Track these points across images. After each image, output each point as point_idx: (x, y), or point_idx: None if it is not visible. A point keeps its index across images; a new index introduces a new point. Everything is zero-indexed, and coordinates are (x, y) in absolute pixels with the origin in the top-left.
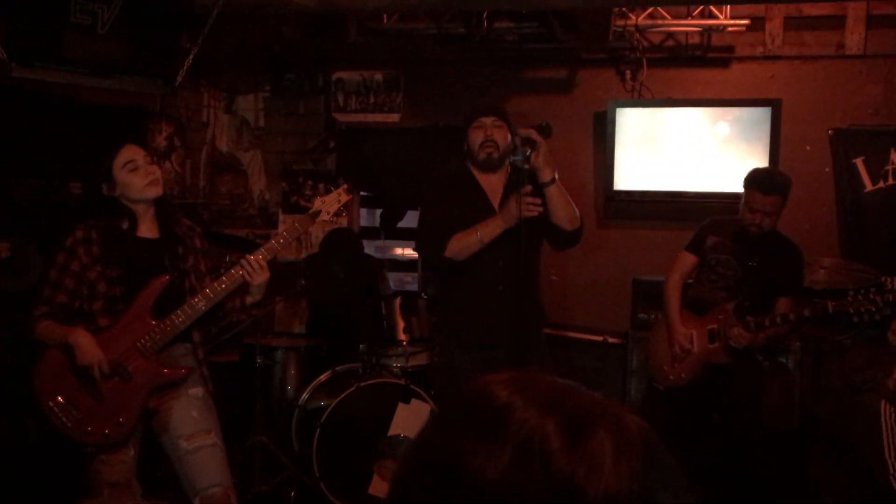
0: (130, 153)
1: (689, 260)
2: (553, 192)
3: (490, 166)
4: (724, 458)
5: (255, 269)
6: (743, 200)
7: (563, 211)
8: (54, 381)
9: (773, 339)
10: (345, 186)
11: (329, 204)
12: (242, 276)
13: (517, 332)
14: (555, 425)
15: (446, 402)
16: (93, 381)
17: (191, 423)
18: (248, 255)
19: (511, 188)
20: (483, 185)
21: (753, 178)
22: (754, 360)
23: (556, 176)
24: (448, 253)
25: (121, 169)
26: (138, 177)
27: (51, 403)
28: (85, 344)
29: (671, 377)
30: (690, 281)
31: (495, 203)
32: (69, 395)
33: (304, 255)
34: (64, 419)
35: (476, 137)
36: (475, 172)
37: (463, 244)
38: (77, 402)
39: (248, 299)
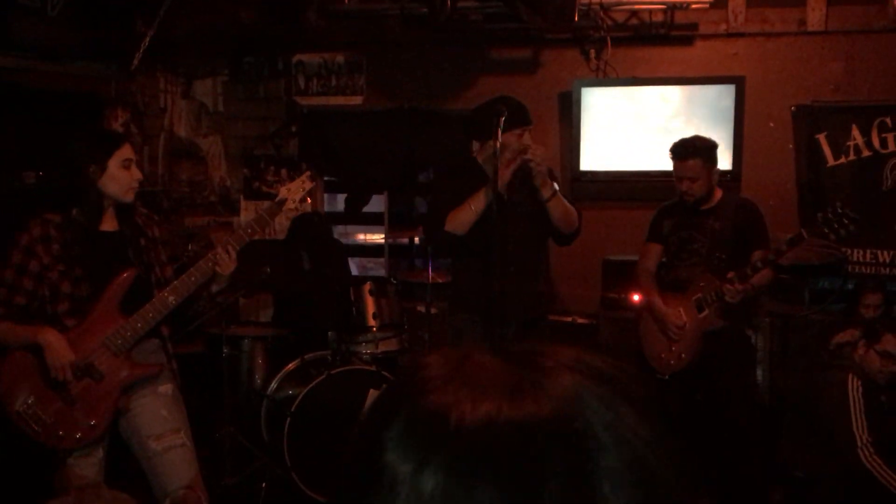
0: (129, 152)
1: (653, 249)
2: (552, 206)
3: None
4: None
5: (225, 260)
6: (673, 174)
7: (562, 221)
8: (20, 384)
9: (763, 287)
10: (308, 173)
11: (294, 192)
12: (213, 267)
13: (526, 312)
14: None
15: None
16: (62, 382)
17: (160, 422)
18: (218, 247)
19: (518, 174)
20: (489, 174)
21: (673, 148)
22: (744, 330)
23: (556, 189)
24: (448, 227)
25: (118, 163)
26: (128, 176)
27: (18, 410)
28: (55, 343)
29: (672, 362)
30: (664, 260)
31: (505, 195)
32: (37, 400)
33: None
34: (34, 425)
35: (513, 143)
36: (483, 166)
37: (460, 218)
38: (46, 406)
39: (214, 288)
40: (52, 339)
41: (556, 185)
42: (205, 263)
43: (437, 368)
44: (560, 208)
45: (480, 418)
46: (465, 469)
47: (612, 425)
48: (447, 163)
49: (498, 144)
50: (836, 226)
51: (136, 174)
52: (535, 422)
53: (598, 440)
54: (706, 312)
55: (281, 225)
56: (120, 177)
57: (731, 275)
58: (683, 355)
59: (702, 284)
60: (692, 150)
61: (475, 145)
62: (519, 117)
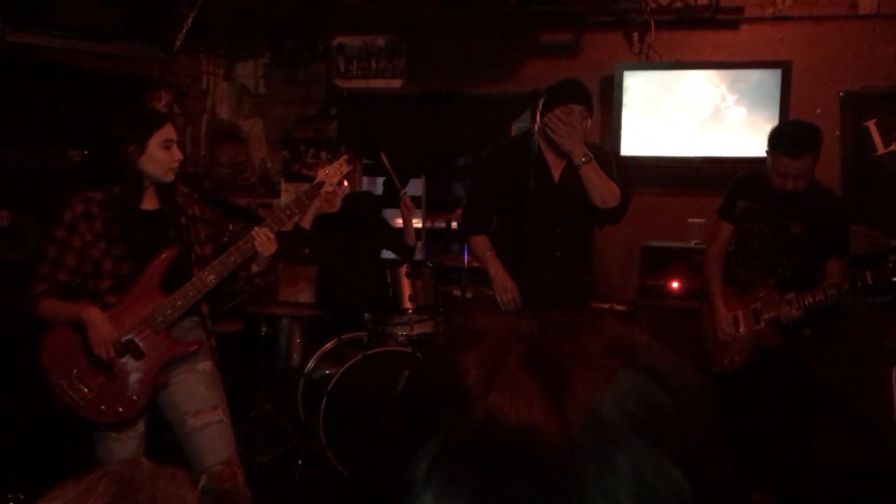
0: (170, 132)
1: (725, 229)
2: (584, 173)
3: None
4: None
5: (266, 241)
6: (769, 164)
7: (595, 191)
8: (64, 359)
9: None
10: (345, 157)
11: (331, 175)
12: (253, 248)
13: (562, 303)
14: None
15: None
16: (104, 358)
17: (198, 398)
18: (257, 228)
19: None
20: (548, 158)
21: (779, 142)
22: (801, 337)
23: (586, 159)
24: (471, 244)
25: (158, 143)
26: (167, 156)
27: (62, 383)
28: (98, 321)
29: (725, 361)
30: (732, 249)
31: (556, 176)
32: (80, 374)
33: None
34: (76, 398)
35: (562, 116)
36: (542, 144)
37: (476, 250)
38: (89, 381)
39: (254, 268)
40: (95, 317)
41: (589, 154)
42: (244, 244)
43: (474, 375)
44: (592, 177)
45: (517, 427)
46: (497, 476)
47: (646, 423)
48: (503, 140)
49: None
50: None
51: (177, 154)
52: (546, 442)
53: (616, 470)
54: (762, 326)
55: (318, 207)
56: (159, 157)
57: (790, 296)
58: (736, 359)
59: (761, 294)
60: (808, 146)
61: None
62: (570, 94)
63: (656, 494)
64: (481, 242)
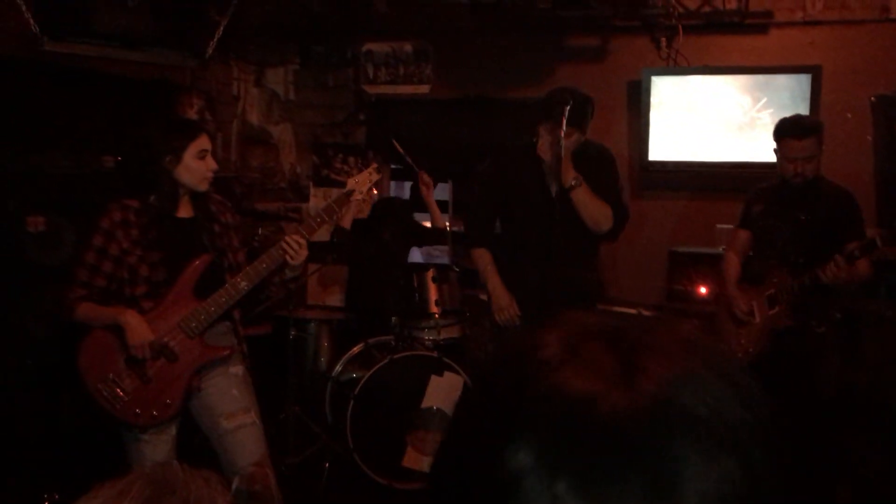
0: (205, 142)
1: (741, 236)
2: (575, 197)
3: None
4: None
5: (296, 249)
6: (778, 155)
7: (588, 214)
8: (100, 362)
9: (862, 279)
10: (374, 165)
11: (361, 183)
12: (283, 256)
13: (570, 301)
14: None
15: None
16: (139, 362)
17: (231, 401)
18: (288, 237)
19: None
20: (546, 169)
21: (783, 127)
22: (813, 328)
23: (575, 183)
24: (472, 256)
25: (194, 154)
26: (203, 167)
27: (98, 385)
28: (136, 324)
29: (740, 354)
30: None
31: (552, 188)
32: (116, 377)
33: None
34: (112, 401)
35: (546, 138)
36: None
37: (478, 266)
38: (124, 384)
39: (288, 274)
40: (133, 320)
41: (577, 178)
42: (276, 251)
43: (553, 349)
44: (583, 200)
45: (586, 401)
46: (552, 456)
47: (710, 415)
48: (506, 147)
49: (562, 133)
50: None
51: (211, 164)
52: (616, 416)
53: (679, 449)
54: (776, 310)
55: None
56: (195, 167)
57: (837, 256)
58: (751, 349)
59: (775, 280)
60: (810, 128)
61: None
62: (554, 112)
63: (712, 482)
64: (482, 256)
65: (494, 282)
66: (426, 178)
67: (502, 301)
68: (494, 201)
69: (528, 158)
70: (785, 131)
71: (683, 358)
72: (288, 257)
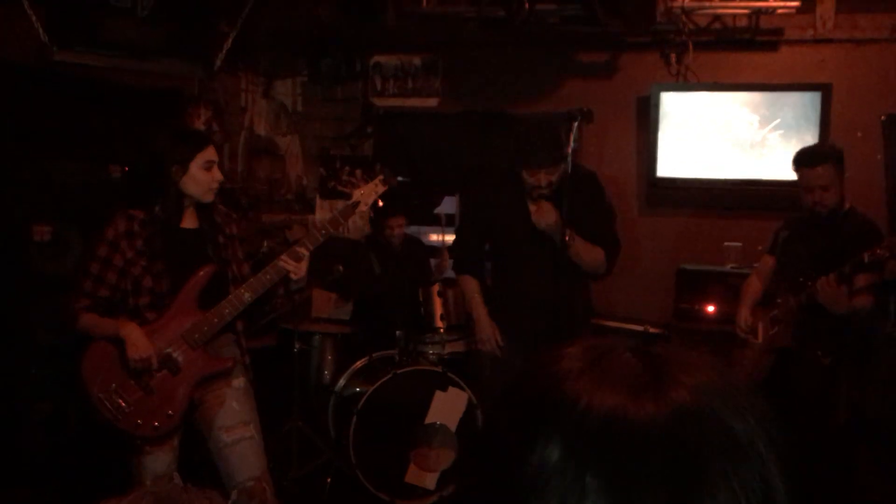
0: (212, 154)
1: (766, 262)
2: (570, 253)
3: None
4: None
5: (294, 265)
6: (799, 185)
7: (585, 266)
8: (103, 373)
9: (864, 307)
10: (380, 177)
11: (367, 195)
12: (286, 269)
13: (560, 327)
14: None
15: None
16: (142, 373)
17: (232, 414)
18: (289, 253)
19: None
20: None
21: (798, 157)
22: (815, 352)
23: (570, 241)
24: (459, 283)
25: (200, 165)
26: (209, 178)
27: (101, 395)
28: (136, 337)
29: (741, 374)
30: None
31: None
32: (118, 388)
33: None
34: (114, 412)
35: (528, 181)
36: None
37: (464, 293)
38: (126, 395)
39: (293, 285)
40: (133, 334)
41: (569, 235)
42: (280, 263)
43: (576, 359)
44: (577, 253)
45: (605, 412)
46: (580, 455)
47: (727, 450)
48: (490, 169)
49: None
50: (881, 264)
51: (217, 176)
52: (650, 425)
53: (707, 459)
54: (776, 329)
55: (356, 224)
56: (201, 178)
57: (832, 274)
58: (751, 370)
59: (779, 301)
60: (822, 156)
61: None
62: (532, 158)
63: (734, 490)
64: (468, 283)
65: (479, 312)
66: (447, 262)
67: (485, 332)
68: (480, 226)
69: (511, 184)
70: (799, 161)
71: (709, 371)
72: (290, 274)
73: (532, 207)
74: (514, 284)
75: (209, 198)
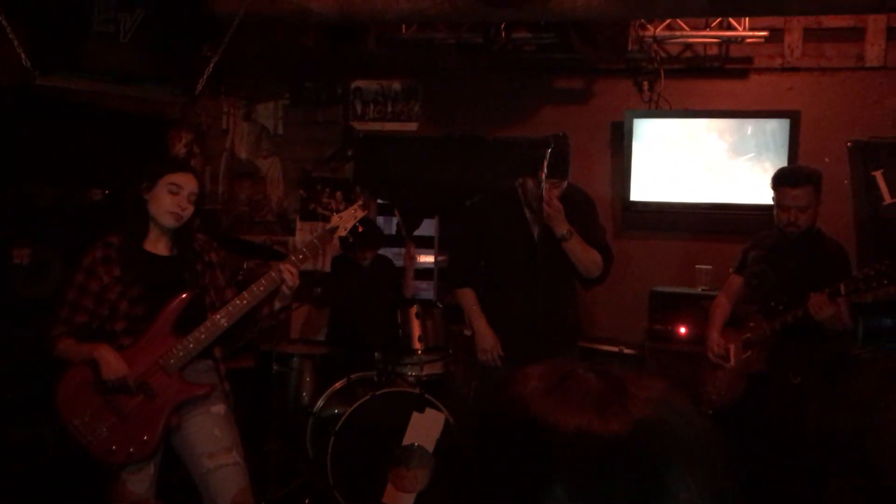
0: (180, 180)
1: (734, 281)
2: (569, 247)
3: None
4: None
5: (292, 276)
6: (775, 203)
7: (579, 263)
8: (77, 399)
9: (844, 325)
10: (360, 202)
11: (346, 220)
12: (264, 293)
13: (550, 345)
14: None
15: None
16: (116, 399)
17: (213, 440)
18: (280, 265)
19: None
20: (528, 214)
21: (780, 175)
22: (788, 375)
23: (568, 235)
24: (456, 296)
25: (165, 185)
26: (169, 201)
27: (75, 422)
28: (110, 359)
29: (713, 397)
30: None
31: (534, 232)
32: (93, 414)
33: (320, 265)
34: (89, 438)
35: (535, 192)
36: (523, 200)
37: (463, 305)
38: (101, 421)
39: (277, 304)
40: (106, 354)
41: (569, 229)
42: (256, 288)
43: (539, 380)
44: (575, 251)
45: (574, 428)
46: (553, 469)
47: (681, 457)
48: (489, 192)
49: (543, 175)
50: (875, 284)
51: (182, 203)
52: (615, 440)
53: (667, 466)
54: (749, 353)
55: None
56: (162, 199)
57: (832, 288)
58: (724, 392)
59: (751, 325)
60: (805, 177)
61: (519, 179)
62: (539, 167)
63: (689, 492)
64: (467, 296)
65: (479, 322)
66: (413, 251)
67: (486, 342)
68: (478, 243)
69: (510, 202)
70: (781, 180)
71: (658, 386)
72: (285, 288)
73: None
74: (506, 302)
75: (169, 222)
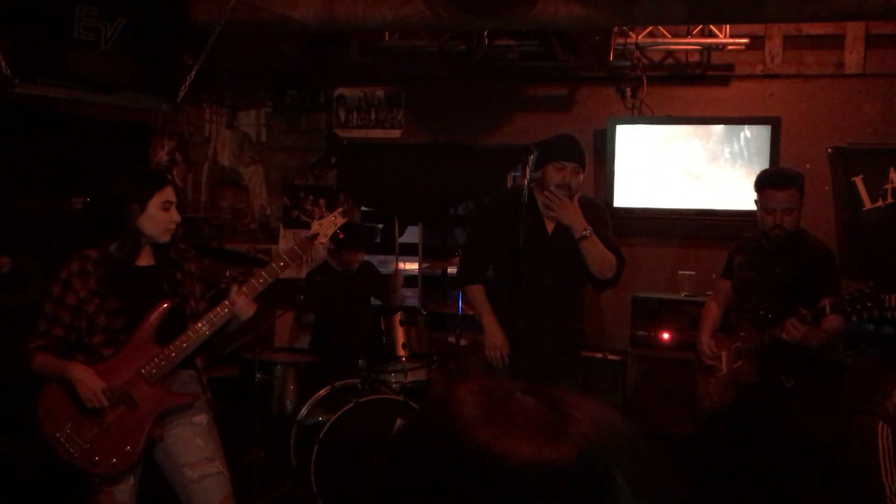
0: (170, 194)
1: (722, 285)
2: (584, 247)
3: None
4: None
5: (244, 305)
6: (758, 206)
7: (594, 264)
8: (59, 412)
9: (833, 336)
10: (340, 209)
11: (326, 227)
12: (232, 311)
13: (556, 348)
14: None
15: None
16: (98, 410)
17: (196, 450)
18: (234, 294)
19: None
20: (542, 211)
21: (764, 177)
22: (781, 383)
23: (587, 233)
24: (466, 294)
25: (158, 204)
26: (165, 217)
27: (57, 435)
28: (84, 378)
29: (706, 403)
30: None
31: (549, 228)
32: (74, 426)
33: (305, 272)
34: (71, 450)
35: (554, 177)
36: (537, 194)
37: (472, 300)
38: (83, 433)
39: (232, 325)
40: (79, 374)
41: (589, 229)
42: (221, 310)
43: (475, 406)
44: (592, 251)
45: (522, 458)
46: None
47: (627, 471)
48: (499, 191)
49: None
50: (859, 307)
51: (175, 216)
52: (566, 466)
53: (615, 483)
54: (740, 363)
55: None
56: (158, 217)
57: (803, 311)
58: (716, 399)
59: (742, 334)
60: (790, 179)
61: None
62: (562, 152)
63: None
64: (476, 293)
65: (489, 319)
66: (401, 276)
67: (496, 339)
68: (487, 244)
69: (519, 204)
70: (765, 182)
71: (590, 403)
72: (236, 311)
73: (555, 204)
74: (513, 310)
75: (165, 238)
